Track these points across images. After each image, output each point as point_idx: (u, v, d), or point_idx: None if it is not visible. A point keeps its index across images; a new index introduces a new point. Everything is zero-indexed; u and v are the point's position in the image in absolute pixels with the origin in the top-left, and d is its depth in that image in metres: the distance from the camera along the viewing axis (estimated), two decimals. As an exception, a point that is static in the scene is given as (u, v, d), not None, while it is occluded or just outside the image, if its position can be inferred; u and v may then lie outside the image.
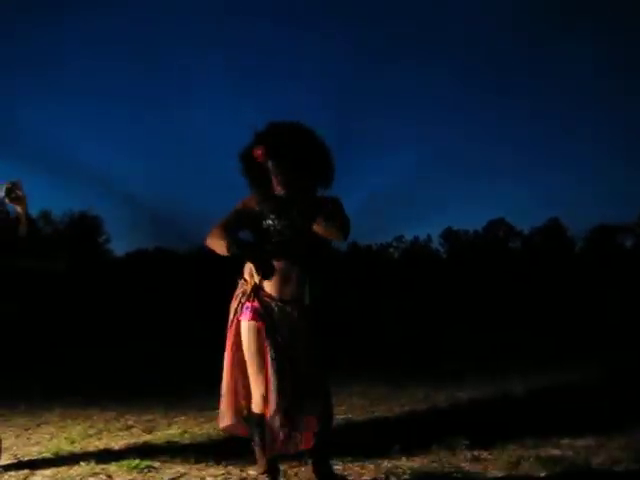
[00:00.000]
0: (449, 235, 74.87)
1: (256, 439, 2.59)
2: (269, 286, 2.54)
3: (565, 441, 3.46)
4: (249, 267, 2.56)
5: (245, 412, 2.65)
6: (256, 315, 2.50)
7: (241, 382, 2.64)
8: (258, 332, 2.49)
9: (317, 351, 2.61)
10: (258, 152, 2.58)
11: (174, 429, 4.19)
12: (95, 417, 4.64)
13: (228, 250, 2.48)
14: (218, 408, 2.72)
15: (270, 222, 2.59)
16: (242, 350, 2.57)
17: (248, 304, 2.52)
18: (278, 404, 2.47)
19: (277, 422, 2.48)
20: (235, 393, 2.64)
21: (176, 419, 4.52)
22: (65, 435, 4.03)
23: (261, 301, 2.53)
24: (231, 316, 2.62)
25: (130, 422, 4.45)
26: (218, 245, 2.53)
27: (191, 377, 6.29)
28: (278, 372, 2.47)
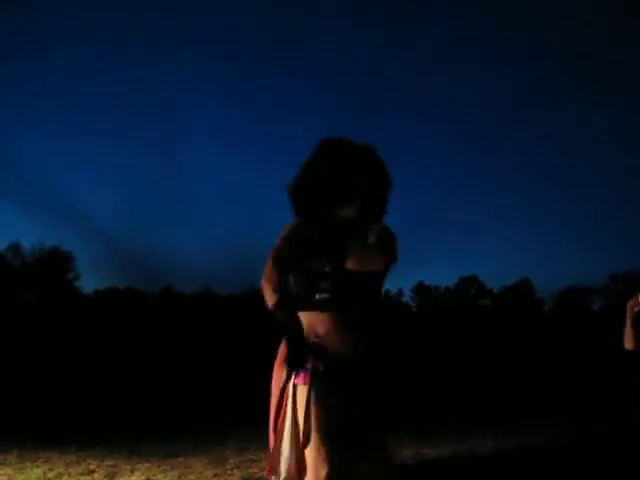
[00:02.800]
0: (420, 290, 75.28)
1: None
2: (326, 339, 2.12)
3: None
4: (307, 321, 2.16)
5: None
6: (314, 377, 2.07)
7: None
8: (317, 397, 2.05)
9: (380, 412, 2.20)
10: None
11: (136, 476, 4.11)
12: (55, 460, 4.54)
13: (274, 311, 2.20)
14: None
15: (321, 265, 2.17)
16: (296, 417, 2.09)
17: (306, 365, 2.10)
18: None
19: None
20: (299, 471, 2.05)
21: (139, 465, 4.43)
22: (23, 478, 3.93)
23: (319, 360, 2.10)
24: (283, 378, 2.15)
25: (92, 466, 4.35)
26: (268, 297, 2.23)
27: (156, 421, 6.19)
28: (333, 448, 2.02)
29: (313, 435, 2.02)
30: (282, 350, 2.19)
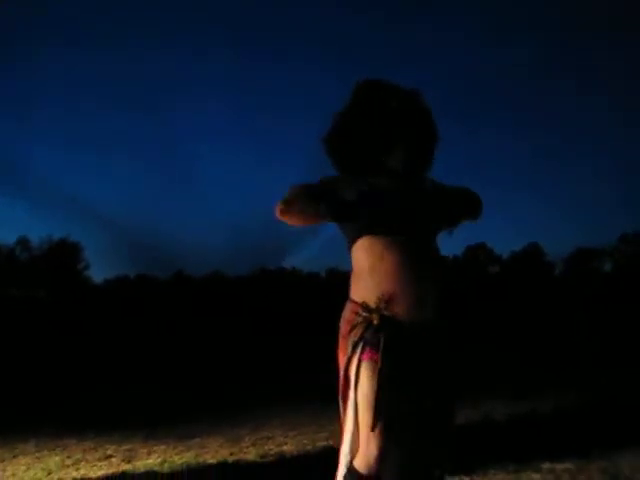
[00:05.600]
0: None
1: None
2: (398, 306, 1.79)
3: (546, 465, 3.47)
4: (376, 293, 1.81)
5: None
6: (382, 353, 1.76)
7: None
8: (381, 375, 1.75)
9: (453, 388, 1.93)
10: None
11: (153, 458, 4.14)
12: (73, 447, 4.58)
13: (319, 214, 1.80)
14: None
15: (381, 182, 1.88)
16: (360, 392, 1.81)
17: (372, 339, 1.78)
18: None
19: None
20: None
21: (156, 448, 4.46)
22: (42, 466, 3.97)
23: (390, 332, 1.78)
24: (349, 351, 1.81)
25: (109, 452, 4.39)
26: (305, 208, 1.82)
27: (172, 404, 6.23)
28: (388, 430, 1.77)
29: (367, 413, 1.75)
30: (346, 320, 1.86)
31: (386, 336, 1.77)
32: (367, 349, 1.78)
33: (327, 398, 6.05)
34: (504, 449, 3.79)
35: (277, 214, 1.85)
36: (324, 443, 4.35)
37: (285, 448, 4.30)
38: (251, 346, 12.58)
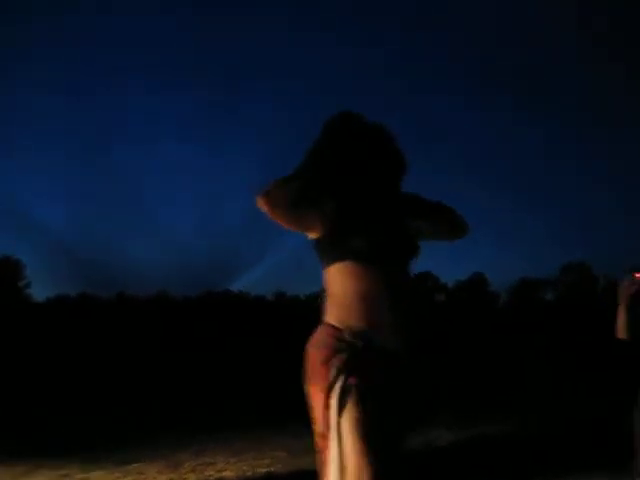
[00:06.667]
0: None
1: None
2: (379, 331, 1.79)
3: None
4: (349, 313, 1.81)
5: None
6: (361, 377, 1.75)
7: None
8: (368, 400, 1.74)
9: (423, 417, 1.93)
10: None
11: (89, 485, 4.05)
12: (3, 472, 4.43)
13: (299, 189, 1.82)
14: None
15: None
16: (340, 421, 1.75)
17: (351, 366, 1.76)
18: None
19: None
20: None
21: (93, 474, 4.36)
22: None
23: (376, 357, 1.78)
24: (331, 377, 1.75)
25: (43, 478, 4.26)
26: (284, 191, 1.82)
27: (112, 428, 6.09)
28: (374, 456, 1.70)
29: (357, 439, 1.69)
30: (325, 344, 1.80)
31: (369, 361, 1.76)
32: (353, 375, 1.74)
33: (269, 424, 6.07)
34: (448, 476, 3.87)
35: (270, 209, 1.83)
36: (265, 470, 4.35)
37: (225, 474, 4.28)
38: (195, 369, 12.40)
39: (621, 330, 2.68)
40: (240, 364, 13.00)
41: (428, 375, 1.88)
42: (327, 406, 1.75)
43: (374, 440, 1.70)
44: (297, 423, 6.24)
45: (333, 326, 1.82)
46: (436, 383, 1.96)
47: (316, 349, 1.82)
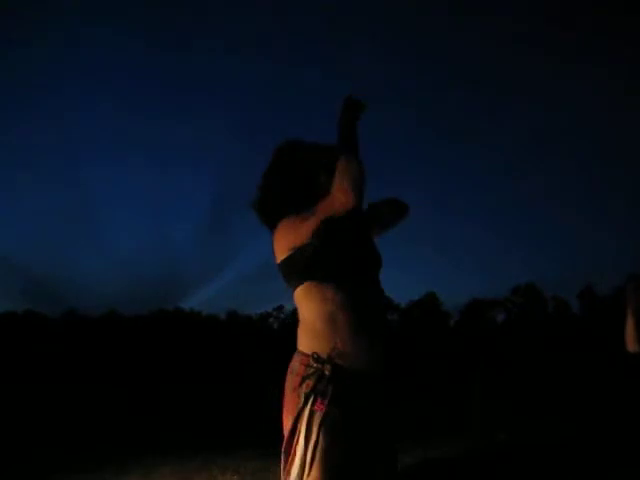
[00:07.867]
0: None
1: None
2: (349, 356, 1.78)
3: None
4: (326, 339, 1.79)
5: None
6: (333, 405, 1.74)
7: None
8: (336, 425, 1.73)
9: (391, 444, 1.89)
10: None
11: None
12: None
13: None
14: None
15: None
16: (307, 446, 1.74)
17: (325, 390, 1.75)
18: None
19: None
20: None
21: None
22: None
23: (342, 382, 1.77)
24: (300, 403, 1.76)
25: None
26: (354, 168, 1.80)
27: (54, 452, 5.84)
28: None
29: (321, 467, 1.69)
30: (297, 373, 1.81)
31: (337, 386, 1.75)
32: (318, 400, 1.74)
33: (218, 447, 5.92)
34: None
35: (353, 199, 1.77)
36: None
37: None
38: (144, 389, 12.10)
39: (631, 341, 2.46)
40: (192, 385, 12.76)
41: (395, 400, 1.87)
42: (294, 432, 1.75)
43: (341, 473, 1.68)
44: (245, 446, 6.15)
45: (304, 353, 1.81)
46: (398, 408, 1.90)
47: (290, 376, 1.83)
